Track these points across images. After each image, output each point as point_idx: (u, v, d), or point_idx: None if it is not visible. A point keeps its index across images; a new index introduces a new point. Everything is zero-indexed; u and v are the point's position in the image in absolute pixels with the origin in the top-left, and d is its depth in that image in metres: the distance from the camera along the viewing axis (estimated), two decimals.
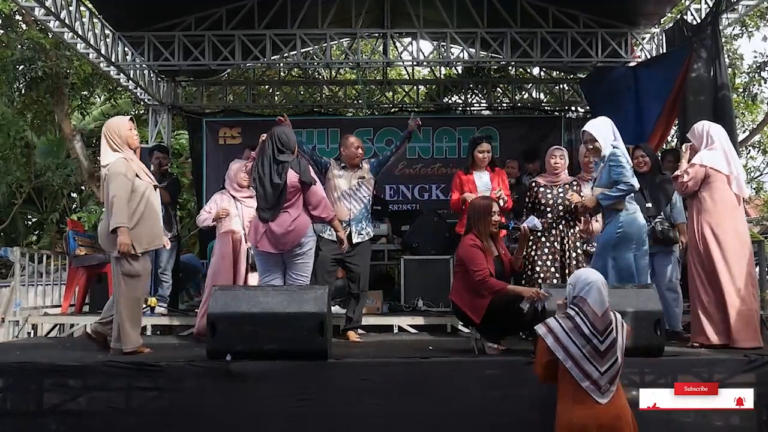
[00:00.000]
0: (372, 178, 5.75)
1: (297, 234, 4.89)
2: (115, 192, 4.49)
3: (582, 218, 5.52)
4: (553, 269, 5.29)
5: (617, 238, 4.89)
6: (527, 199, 5.51)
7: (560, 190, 5.39)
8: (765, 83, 12.01)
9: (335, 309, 5.74)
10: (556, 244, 5.31)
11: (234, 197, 5.76)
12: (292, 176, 4.85)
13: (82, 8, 7.51)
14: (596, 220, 5.55)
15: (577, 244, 5.36)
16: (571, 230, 5.37)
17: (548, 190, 5.40)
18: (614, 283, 4.76)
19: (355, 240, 5.55)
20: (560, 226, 5.33)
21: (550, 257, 5.30)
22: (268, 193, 4.87)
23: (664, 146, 7.61)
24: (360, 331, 5.86)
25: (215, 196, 5.98)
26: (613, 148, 4.92)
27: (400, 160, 9.77)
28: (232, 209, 5.73)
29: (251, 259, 5.61)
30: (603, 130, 4.96)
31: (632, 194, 4.93)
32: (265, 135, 5.05)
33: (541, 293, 4.38)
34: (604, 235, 5.05)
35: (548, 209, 5.34)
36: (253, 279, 5.74)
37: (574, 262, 5.26)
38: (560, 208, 5.35)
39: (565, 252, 5.28)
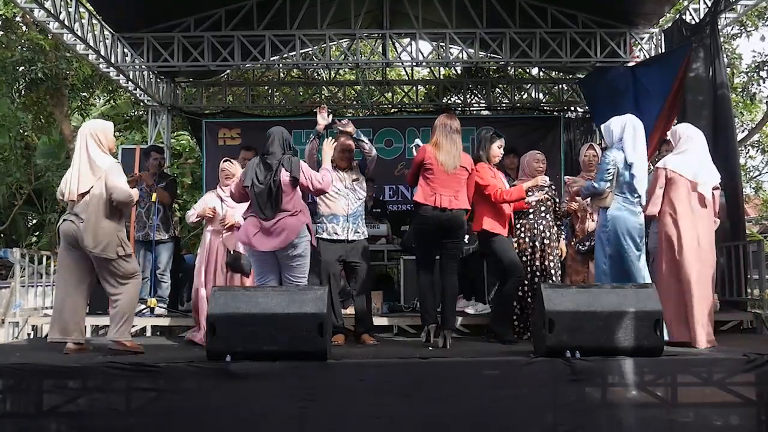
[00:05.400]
0: (363, 179, 5.72)
1: (289, 233, 4.78)
2: (119, 187, 4.67)
3: (578, 218, 5.78)
4: (532, 267, 5.54)
5: (605, 237, 4.96)
6: None
7: (541, 192, 5.60)
8: (764, 83, 12.02)
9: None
10: (536, 243, 5.56)
11: (220, 197, 5.69)
12: (284, 175, 4.80)
13: (82, 10, 7.52)
14: (591, 221, 5.69)
15: (553, 245, 5.59)
16: (551, 230, 5.61)
17: (530, 193, 5.56)
18: (613, 282, 4.81)
19: (351, 237, 5.51)
20: (541, 227, 5.58)
21: (530, 256, 5.55)
22: (262, 194, 4.78)
23: None
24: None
25: (206, 195, 6.01)
26: (614, 149, 4.97)
27: (398, 161, 9.83)
28: (218, 209, 5.66)
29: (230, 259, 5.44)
30: (610, 128, 5.06)
31: (633, 193, 4.93)
32: None
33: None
34: (596, 234, 5.19)
35: (530, 210, 5.59)
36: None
37: (551, 263, 5.54)
38: (542, 208, 5.60)
39: (544, 250, 5.54)
